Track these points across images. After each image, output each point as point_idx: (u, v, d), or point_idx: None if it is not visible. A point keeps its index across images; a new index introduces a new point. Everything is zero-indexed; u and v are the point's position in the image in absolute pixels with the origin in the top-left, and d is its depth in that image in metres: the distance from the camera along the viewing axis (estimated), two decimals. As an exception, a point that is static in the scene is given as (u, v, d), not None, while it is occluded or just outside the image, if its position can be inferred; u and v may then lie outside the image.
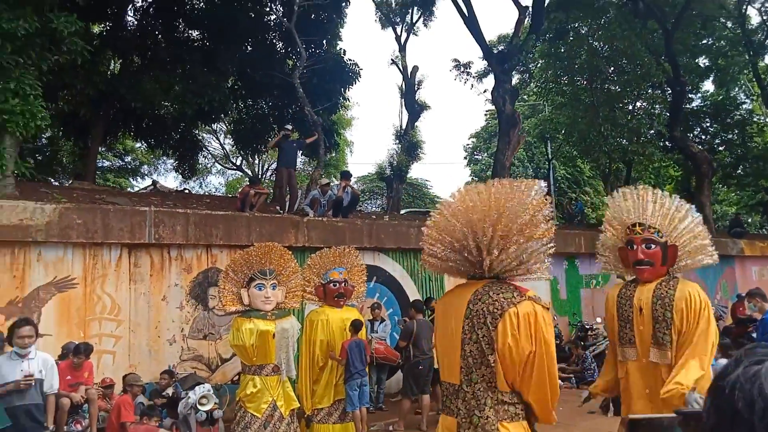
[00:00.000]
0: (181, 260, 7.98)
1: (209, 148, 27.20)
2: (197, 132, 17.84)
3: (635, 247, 3.78)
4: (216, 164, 30.49)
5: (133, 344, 7.54)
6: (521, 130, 14.32)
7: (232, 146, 28.25)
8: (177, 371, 7.57)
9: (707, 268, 15.06)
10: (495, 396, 2.63)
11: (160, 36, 14.01)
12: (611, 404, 8.38)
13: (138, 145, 24.51)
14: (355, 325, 6.68)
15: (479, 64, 20.71)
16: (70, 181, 13.32)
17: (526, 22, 15.82)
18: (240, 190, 12.59)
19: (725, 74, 22.15)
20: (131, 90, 11.45)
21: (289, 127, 10.94)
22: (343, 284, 6.65)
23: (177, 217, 7.91)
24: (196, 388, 6.40)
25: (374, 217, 12.48)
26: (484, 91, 23.64)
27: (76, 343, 6.58)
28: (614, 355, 3.97)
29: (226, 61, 13.69)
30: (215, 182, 32.39)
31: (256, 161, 29.00)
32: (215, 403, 6.43)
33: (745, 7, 20.84)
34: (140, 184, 25.82)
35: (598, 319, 12.28)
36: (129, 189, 21.23)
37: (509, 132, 13.44)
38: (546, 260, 2.89)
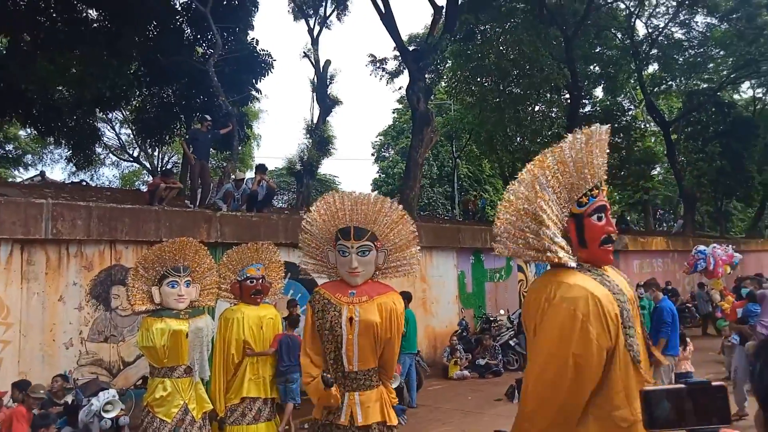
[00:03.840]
0: (82, 257, 7.43)
1: (104, 138, 25.55)
2: (93, 120, 16.70)
3: (604, 217, 2.43)
4: (110, 155, 28.71)
5: (23, 349, 6.92)
6: (434, 128, 14.66)
7: (129, 136, 26.75)
8: (74, 377, 7.05)
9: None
10: None
11: (54, 14, 12.94)
12: (516, 391, 8.83)
13: (21, 132, 22.56)
14: (291, 321, 6.61)
15: (392, 62, 20.87)
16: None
17: (440, 22, 16.16)
18: (150, 182, 11.94)
19: (614, 82, 23.91)
20: (21, 71, 10.48)
21: (209, 118, 10.51)
22: (260, 281, 6.48)
23: (78, 211, 7.35)
24: (100, 394, 6.00)
25: (287, 212, 12.29)
26: (399, 88, 23.89)
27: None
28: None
29: (130, 45, 12.91)
30: (108, 174, 30.57)
31: (156, 153, 27.63)
32: (121, 410, 6.06)
33: (634, 19, 22.60)
34: (23, 174, 23.85)
35: (501, 311, 12.87)
36: (11, 180, 19.49)
37: (423, 129, 13.70)
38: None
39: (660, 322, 6.96)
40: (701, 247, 9.01)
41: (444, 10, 15.99)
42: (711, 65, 24.15)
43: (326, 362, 3.91)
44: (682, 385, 1.68)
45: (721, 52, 23.21)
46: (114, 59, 12.02)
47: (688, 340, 7.45)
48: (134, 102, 16.29)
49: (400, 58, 19.21)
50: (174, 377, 5.68)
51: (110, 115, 22.72)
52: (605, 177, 2.51)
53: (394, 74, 21.00)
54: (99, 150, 23.59)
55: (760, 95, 27.84)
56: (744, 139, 23.42)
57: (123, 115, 23.42)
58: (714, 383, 1.71)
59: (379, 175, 33.17)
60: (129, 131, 25.82)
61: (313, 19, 19.82)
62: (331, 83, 19.58)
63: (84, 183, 16.17)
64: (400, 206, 4.24)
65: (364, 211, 4.02)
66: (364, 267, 4.00)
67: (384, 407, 3.93)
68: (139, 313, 5.96)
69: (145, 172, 29.16)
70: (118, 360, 7.56)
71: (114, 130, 26.36)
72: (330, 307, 3.83)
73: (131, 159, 28.25)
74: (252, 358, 6.19)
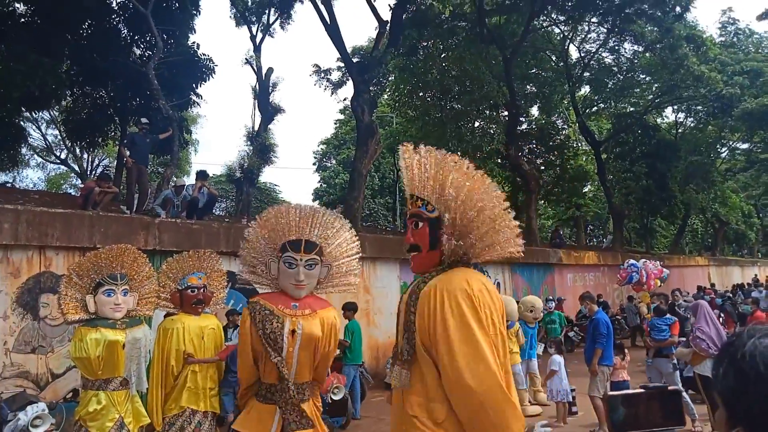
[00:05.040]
0: (8, 263, 6.97)
1: (29, 139, 24.22)
2: (18, 119, 15.81)
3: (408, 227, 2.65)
4: (35, 157, 27.27)
5: (-61, 361, 6.43)
6: (378, 140, 14.75)
7: (56, 137, 25.55)
8: (-2, 390, 6.60)
9: (532, 273, 16.57)
10: None
11: (-23, 7, 12.22)
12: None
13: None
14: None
15: (336, 73, 20.90)
16: None
17: (384, 36, 16.34)
18: (83, 186, 11.39)
19: (549, 102, 24.88)
20: (-59, 65, 9.82)
21: (145, 121, 10.16)
22: (201, 290, 6.29)
23: (4, 214, 6.91)
24: (28, 408, 5.62)
25: (228, 220, 12.02)
26: (344, 99, 23.92)
27: None
28: None
29: (61, 42, 12.32)
30: (33, 177, 29.01)
31: (85, 156, 26.47)
32: (51, 424, 5.71)
33: (567, 44, 23.67)
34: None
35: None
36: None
37: (367, 141, 13.76)
38: None
39: (596, 334, 7.24)
40: (633, 261, 9.49)
41: (388, 25, 16.20)
42: (637, 90, 25.58)
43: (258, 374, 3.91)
44: (641, 390, 1.77)
45: (647, 78, 24.64)
46: (43, 57, 11.44)
47: (626, 350, 7.79)
48: (65, 102, 15.56)
49: (344, 69, 19.27)
50: (109, 390, 5.41)
51: (36, 115, 21.61)
52: (429, 191, 2.57)
53: (338, 85, 21.06)
54: (23, 151, 22.35)
55: (682, 120, 29.73)
56: (667, 161, 24.86)
57: (50, 115, 22.31)
58: (670, 388, 1.80)
59: (321, 185, 33.05)
60: (56, 132, 24.64)
61: (256, 26, 19.61)
62: (273, 91, 19.38)
63: (9, 185, 15.25)
64: (349, 223, 4.29)
65: (318, 225, 4.04)
66: (310, 280, 4.03)
67: (315, 420, 3.94)
68: (72, 322, 5.64)
69: (73, 175, 27.84)
70: (46, 372, 7.13)
71: (40, 130, 25.11)
72: (272, 318, 3.81)
73: (58, 161, 26.91)
74: (192, 367, 5.97)
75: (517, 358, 8.18)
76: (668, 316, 7.83)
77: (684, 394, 6.93)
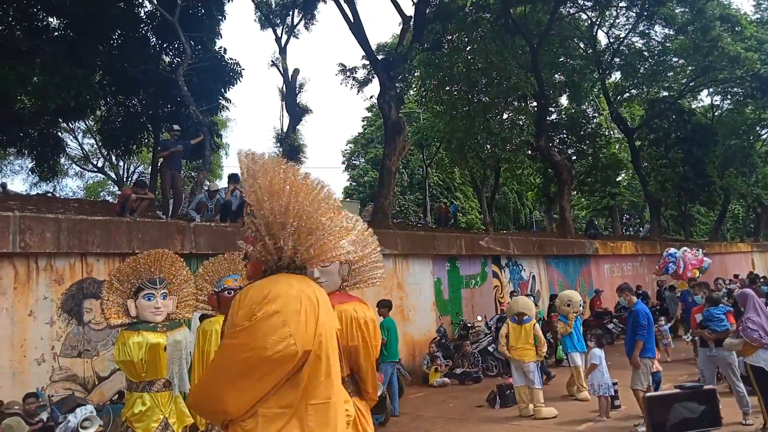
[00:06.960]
0: (52, 270, 7.18)
1: (67, 148, 24.95)
2: (56, 130, 16.31)
3: None
4: (74, 166, 28.06)
5: (-9, 367, 6.65)
6: (406, 136, 14.71)
7: (92, 146, 26.23)
8: (48, 393, 6.80)
9: (568, 265, 16.19)
10: None
11: (13, 21, 12.59)
12: (497, 397, 8.87)
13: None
14: None
15: (362, 71, 20.96)
16: None
17: (409, 31, 16.29)
18: (120, 193, 11.68)
19: (579, 90, 24.40)
20: (-20, 80, 10.16)
21: (176, 127, 10.35)
22: (238, 291, 6.36)
23: (46, 223, 7.11)
24: (77, 410, 5.79)
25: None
26: (370, 97, 23.96)
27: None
28: None
29: (93, 53, 12.63)
30: (72, 185, 29.87)
31: (121, 163, 27.13)
32: (99, 425, 5.86)
33: (595, 30, 23.21)
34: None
35: (479, 318, 12.95)
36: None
37: (395, 138, 13.74)
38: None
39: (636, 325, 7.06)
40: (672, 250, 9.22)
41: (412, 20, 16.14)
42: (671, 74, 24.90)
43: None
44: (677, 390, 1.71)
45: (680, 62, 23.96)
46: (77, 68, 11.74)
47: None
48: (99, 112, 15.96)
49: (369, 67, 19.28)
50: (153, 391, 5.52)
51: (73, 125, 22.23)
52: None
53: (364, 83, 21.10)
54: (62, 161, 23.04)
55: (718, 102, 28.86)
56: (704, 145, 24.19)
57: (86, 124, 22.92)
58: (705, 387, 1.74)
59: (350, 183, 33.21)
60: (92, 141, 25.30)
61: (280, 28, 19.78)
62: (300, 92, 19.55)
63: (50, 194, 15.72)
64: (365, 224, 4.25)
65: None
66: (327, 277, 3.96)
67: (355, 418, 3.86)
68: (114, 326, 5.77)
69: (110, 182, 28.56)
70: (92, 375, 7.32)
71: (77, 140, 25.85)
72: None
73: (95, 169, 27.66)
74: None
75: (532, 355, 7.92)
76: (722, 305, 7.55)
77: (741, 386, 6.70)
